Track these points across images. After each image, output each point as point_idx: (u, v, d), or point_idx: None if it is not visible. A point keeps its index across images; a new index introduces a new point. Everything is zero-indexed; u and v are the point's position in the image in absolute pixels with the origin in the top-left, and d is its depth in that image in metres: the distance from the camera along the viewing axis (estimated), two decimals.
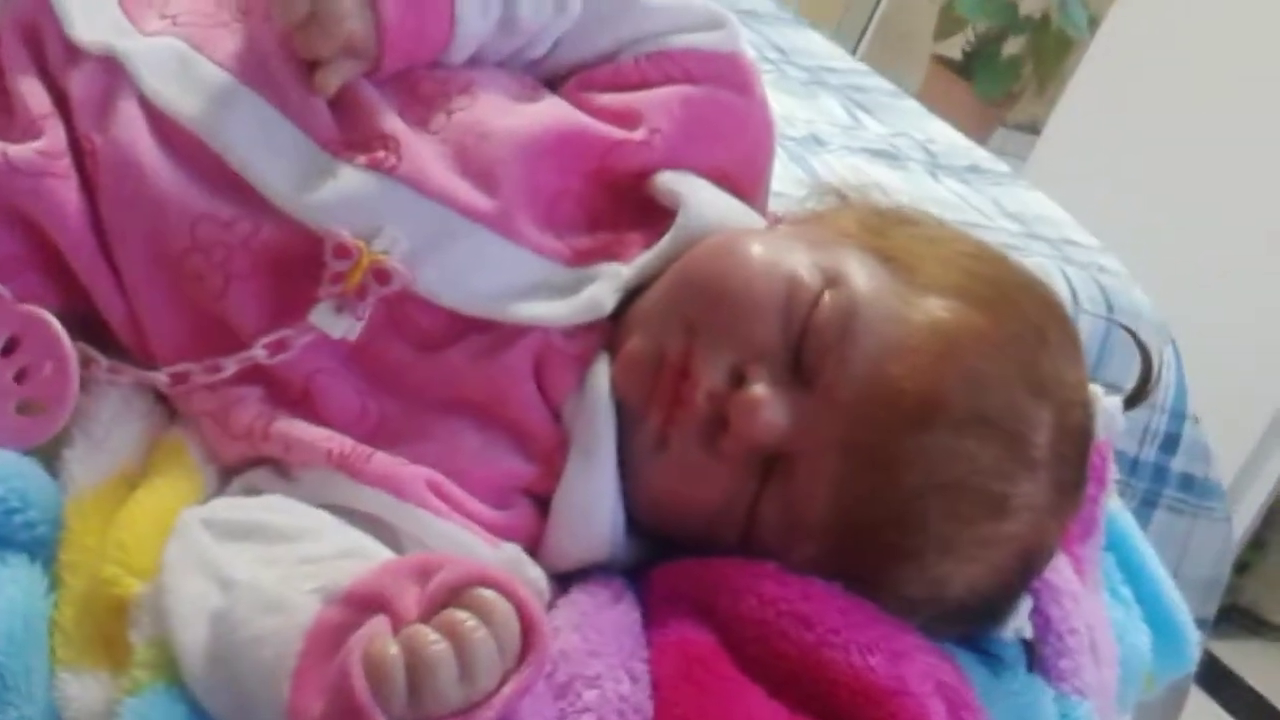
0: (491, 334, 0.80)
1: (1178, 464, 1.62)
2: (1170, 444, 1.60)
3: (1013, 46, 3.77)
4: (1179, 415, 1.60)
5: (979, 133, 2.37)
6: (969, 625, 0.82)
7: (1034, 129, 3.38)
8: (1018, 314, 0.79)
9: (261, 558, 0.69)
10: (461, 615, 0.62)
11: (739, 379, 0.77)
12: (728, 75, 0.89)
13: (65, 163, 0.80)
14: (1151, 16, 2.76)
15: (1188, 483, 1.64)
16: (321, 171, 0.80)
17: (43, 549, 0.73)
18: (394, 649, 0.60)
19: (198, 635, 0.66)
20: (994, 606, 0.82)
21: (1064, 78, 3.24)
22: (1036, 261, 1.42)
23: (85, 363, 0.79)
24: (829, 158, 1.67)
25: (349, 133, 0.82)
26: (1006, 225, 1.65)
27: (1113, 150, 2.72)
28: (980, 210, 1.68)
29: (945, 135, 1.91)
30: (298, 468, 0.77)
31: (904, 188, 1.58)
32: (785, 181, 0.94)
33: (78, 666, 0.69)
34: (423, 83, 0.84)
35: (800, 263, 0.79)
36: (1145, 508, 1.58)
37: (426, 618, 0.63)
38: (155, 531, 0.72)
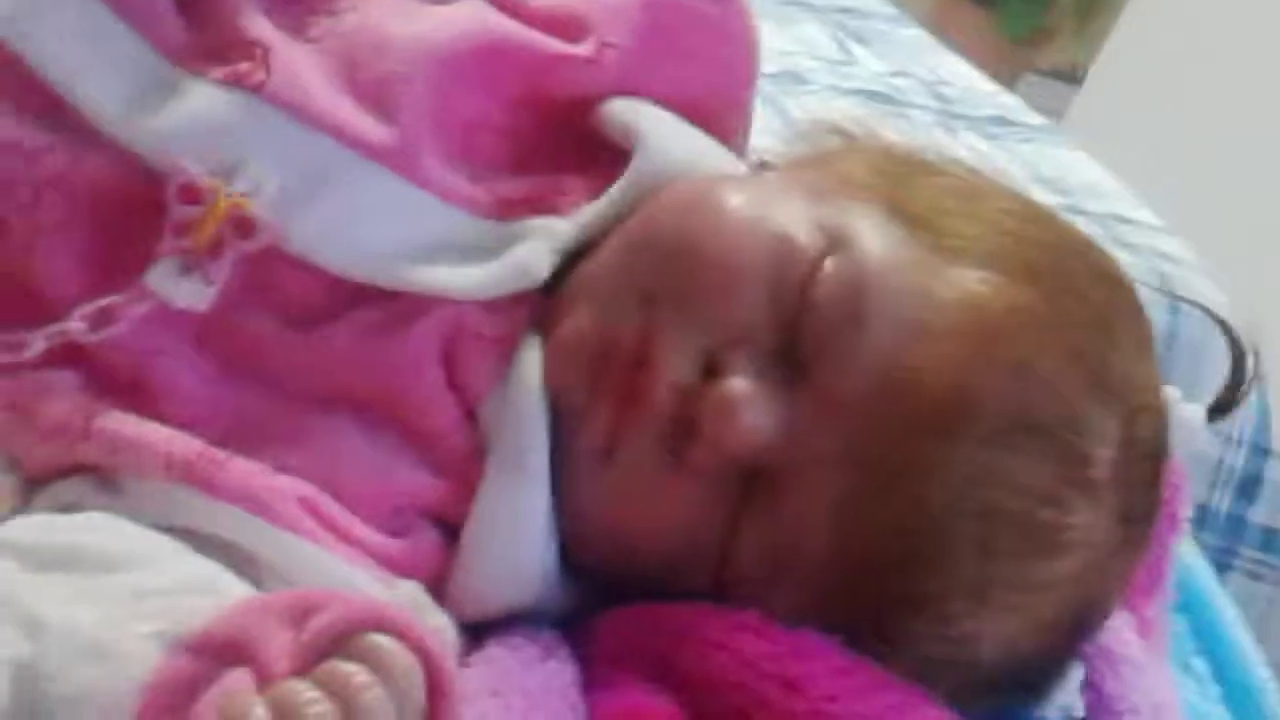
0: (386, 307, 0.81)
1: (1258, 515, 1.65)
2: (1249, 488, 1.63)
3: None
4: (1261, 451, 1.63)
5: (1001, 80, 2.38)
6: (1003, 697, 0.83)
7: (1073, 76, 3.42)
8: (1076, 292, 0.81)
9: (80, 592, 0.69)
10: (349, 669, 0.62)
11: (712, 369, 0.78)
12: None
13: None
14: None
15: (1271, 539, 1.67)
16: (164, 88, 0.80)
17: None
18: (259, 711, 0.61)
19: None
20: (1036, 674, 0.84)
21: (1113, 10, 3.28)
22: None
23: None
24: (810, 101, 1.68)
25: (202, 39, 0.82)
26: (1042, 194, 1.67)
27: (1172, 105, 2.75)
28: (1008, 175, 1.70)
29: (963, 75, 1.94)
30: (128, 477, 0.77)
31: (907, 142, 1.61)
32: (754, 131, 0.96)
33: None
34: None
35: (794, 219, 0.80)
36: (1217, 570, 1.60)
37: (302, 671, 0.63)
38: None
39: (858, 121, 0.92)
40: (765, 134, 1.19)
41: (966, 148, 1.74)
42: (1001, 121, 1.87)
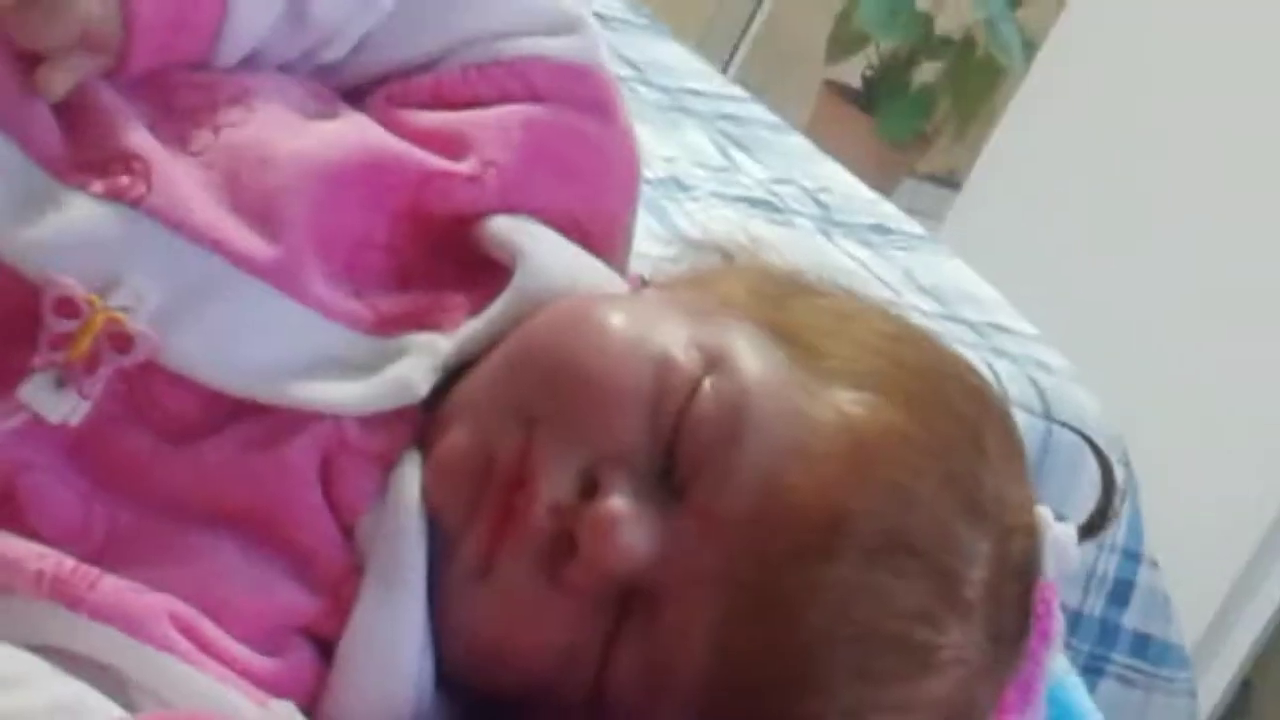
0: (264, 422, 0.81)
1: (1130, 620, 1.67)
2: (1122, 594, 1.65)
3: (926, 74, 3.87)
4: (1133, 557, 1.65)
5: (881, 183, 2.42)
6: None
7: (951, 181, 3.47)
8: (950, 413, 0.82)
9: None
10: None
11: (591, 489, 0.78)
12: (582, 94, 0.91)
13: None
14: (1100, 41, 2.85)
15: (1143, 645, 1.69)
16: (42, 200, 0.80)
17: None
18: None
19: None
20: None
21: (991, 117, 3.34)
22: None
23: None
24: (693, 207, 1.70)
25: (82, 151, 0.82)
26: (920, 303, 1.70)
27: (1051, 211, 2.79)
28: (886, 282, 1.72)
29: (843, 183, 1.97)
30: None
31: (789, 250, 1.62)
32: (638, 236, 0.97)
33: None
34: (182, 89, 0.85)
35: (674, 339, 0.81)
36: (1089, 675, 1.62)
37: None
38: None
39: (737, 242, 0.93)
40: (649, 239, 1.20)
41: (846, 254, 1.76)
42: (880, 230, 1.90)
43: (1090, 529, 0.92)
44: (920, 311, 1.63)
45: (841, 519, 0.77)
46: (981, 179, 3.04)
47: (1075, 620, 1.63)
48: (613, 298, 0.86)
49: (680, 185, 1.72)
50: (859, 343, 0.83)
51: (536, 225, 0.88)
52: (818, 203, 1.89)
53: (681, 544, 0.77)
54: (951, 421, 0.82)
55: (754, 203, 1.82)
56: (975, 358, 1.51)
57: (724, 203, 1.78)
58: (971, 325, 1.69)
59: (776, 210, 1.83)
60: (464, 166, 0.87)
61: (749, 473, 0.78)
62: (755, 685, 0.77)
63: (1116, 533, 1.63)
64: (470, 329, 0.84)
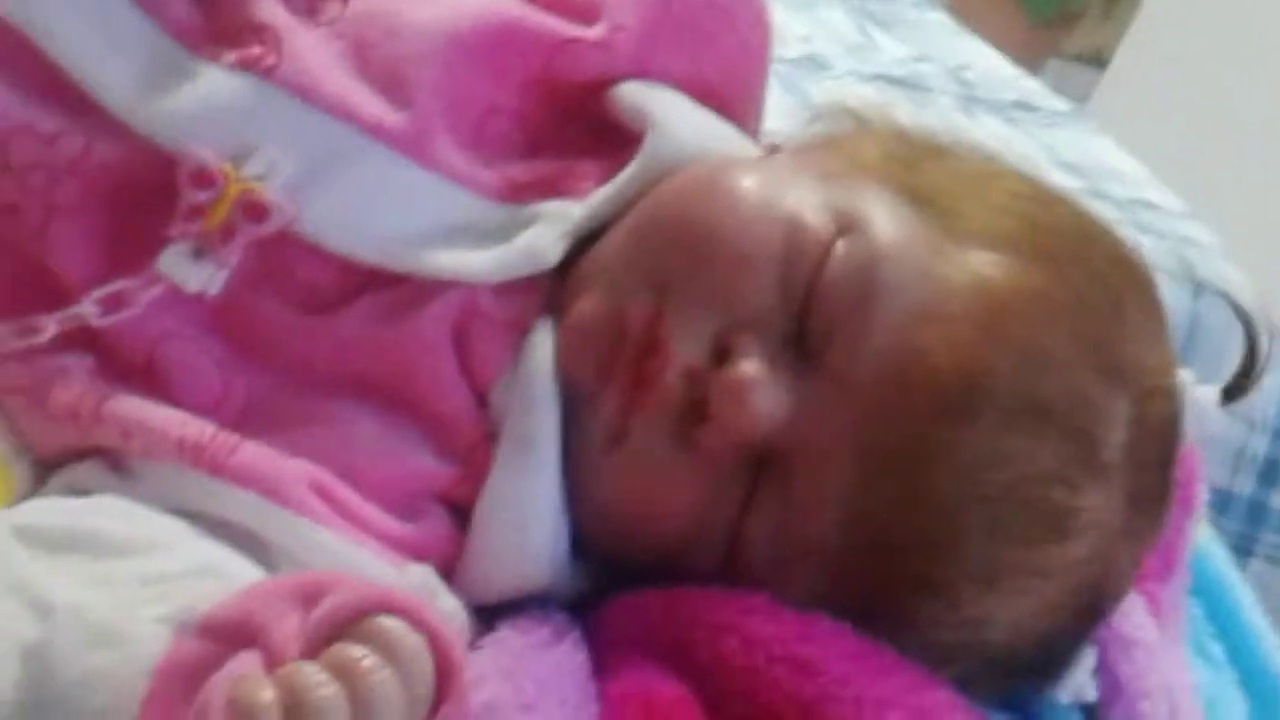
0: (398, 291, 0.81)
1: None
2: (1271, 473, 1.62)
3: None
4: None
5: (1027, 64, 2.38)
6: (1014, 680, 0.83)
7: (1099, 60, 3.41)
8: (1088, 275, 0.81)
9: (91, 576, 0.69)
10: (357, 651, 0.62)
11: (723, 353, 0.78)
12: None
13: None
14: None
15: None
16: (176, 72, 0.81)
17: None
18: (268, 693, 0.60)
19: (6, 677, 0.66)
20: (1047, 658, 0.84)
21: None
22: None
23: None
24: (830, 85, 1.68)
25: (213, 22, 0.82)
26: (1064, 179, 1.67)
27: (1198, 88, 2.73)
28: (1030, 159, 1.70)
29: (985, 60, 1.93)
30: (139, 461, 0.78)
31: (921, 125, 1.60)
32: (775, 115, 0.96)
33: None
34: None
35: (806, 202, 0.80)
36: (1238, 555, 1.60)
37: (311, 654, 0.63)
38: None
39: (872, 105, 0.92)
40: (785, 119, 1.20)
41: (988, 131, 1.74)
42: (1024, 106, 1.87)
43: (1234, 391, 0.90)
44: (1063, 188, 1.60)
45: (976, 381, 0.76)
46: (1129, 57, 2.98)
47: (1224, 499, 1.60)
48: (744, 162, 0.85)
49: (817, 64, 1.70)
50: (994, 204, 0.82)
51: (667, 90, 0.87)
52: (959, 80, 1.86)
53: (814, 408, 0.77)
54: (1089, 283, 0.80)
55: (893, 81, 1.79)
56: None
57: (862, 81, 1.75)
58: (1117, 201, 1.66)
59: (916, 88, 1.80)
60: (594, 32, 0.86)
61: (881, 336, 0.77)
62: (888, 549, 0.77)
63: (1267, 411, 1.60)
64: (601, 195, 0.84)
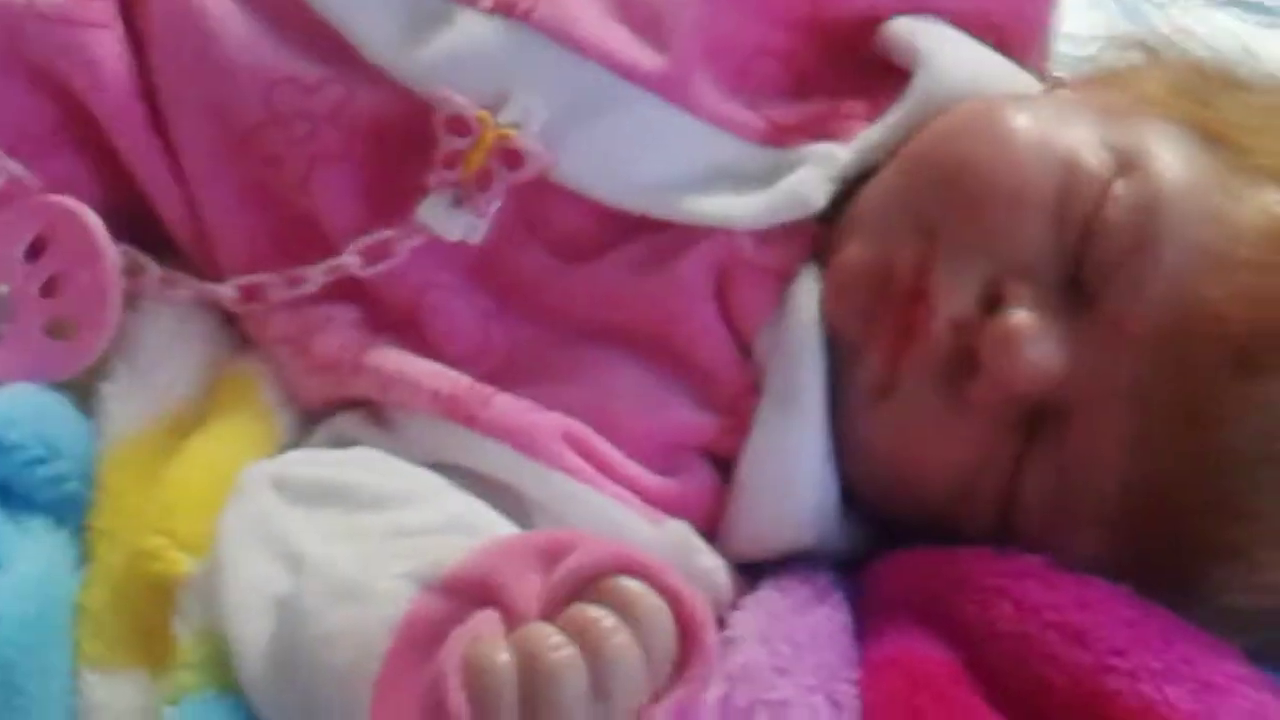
0: (658, 238, 0.80)
1: None
2: None
3: None
4: None
5: None
6: None
7: None
8: None
9: (342, 529, 0.70)
10: (597, 613, 0.61)
11: (994, 301, 0.75)
12: None
13: (106, 7, 0.82)
14: None
15: None
16: (433, 19, 0.81)
17: (72, 511, 0.76)
18: (504, 655, 0.60)
19: (260, 629, 0.68)
20: None
21: None
22: None
23: (131, 271, 0.81)
24: (1176, 12, 1.62)
25: None
26: None
27: None
28: None
29: None
30: (397, 412, 0.78)
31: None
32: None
33: (107, 665, 0.71)
34: None
35: (1083, 140, 0.77)
36: None
37: (550, 614, 0.62)
38: (213, 492, 0.74)
39: (1162, 36, 0.88)
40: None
41: None
42: None
43: None
44: None
45: (1268, 331, 0.72)
46: None
47: None
48: (1019, 99, 0.82)
49: None
50: None
51: (939, 25, 0.85)
52: None
53: (1091, 358, 0.74)
54: None
55: (1248, 6, 1.72)
56: None
57: (1213, 7, 1.68)
58: None
59: (1273, 13, 1.72)
60: None
61: (1164, 282, 0.73)
62: (1174, 508, 0.73)
63: None
64: (868, 137, 0.82)
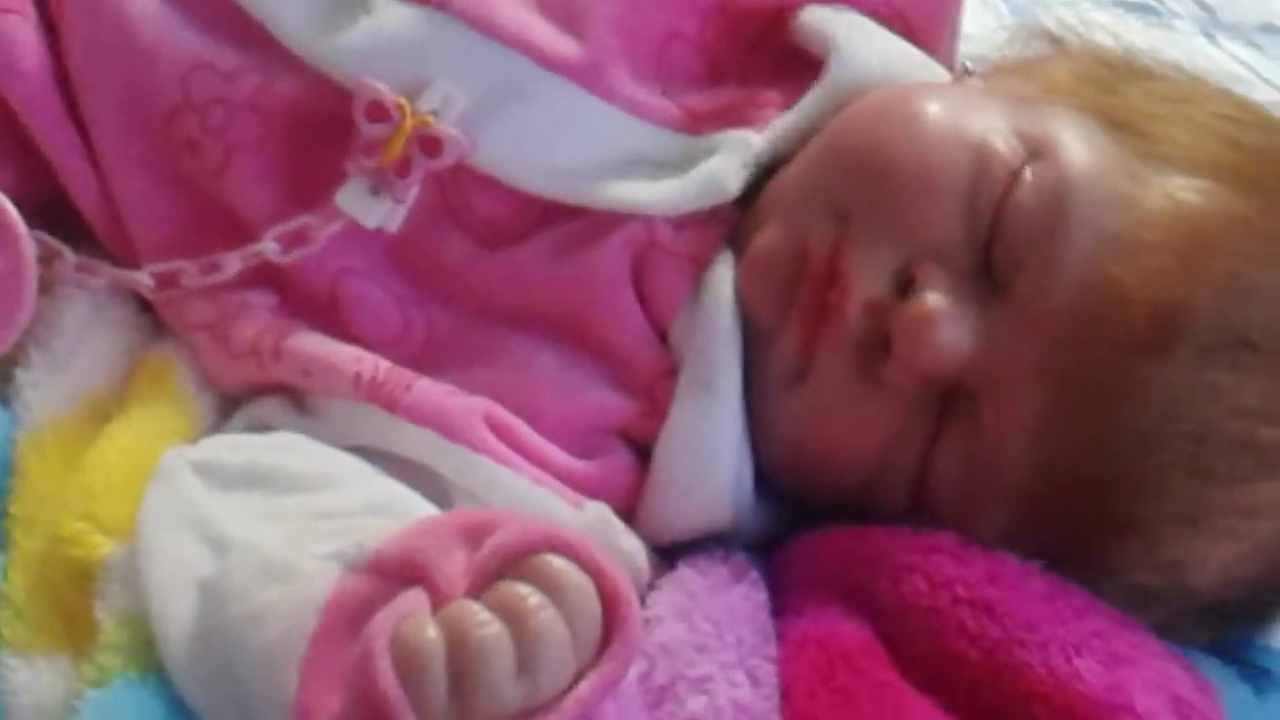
0: (576, 224, 0.81)
1: None
2: None
3: None
4: None
5: None
6: (1223, 627, 0.80)
7: None
8: None
9: (266, 512, 0.70)
10: (522, 590, 0.62)
11: (907, 284, 0.76)
12: None
13: None
14: None
15: None
16: (352, 6, 0.81)
17: None
18: (432, 632, 0.61)
19: (182, 611, 0.68)
20: (1258, 602, 0.81)
21: None
22: None
23: (46, 258, 0.80)
24: (1064, 12, 1.64)
25: None
26: None
27: None
28: (1276, 85, 1.64)
29: None
30: (318, 397, 0.79)
31: (1167, 53, 1.55)
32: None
33: (28, 649, 0.71)
34: None
35: (994, 127, 0.78)
36: None
37: (477, 593, 0.63)
38: (133, 477, 0.74)
39: (1067, 26, 0.89)
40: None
41: (1230, 57, 1.68)
42: (1271, 30, 1.80)
43: None
44: None
45: (1172, 313, 0.73)
46: None
47: None
48: (930, 87, 0.83)
49: None
50: (1196, 126, 0.79)
51: (852, 14, 0.85)
52: (1200, 4, 1.81)
53: (1002, 341, 0.75)
54: None
55: (1130, 7, 1.75)
56: None
57: (1098, 6, 1.71)
58: None
59: (1155, 13, 1.75)
60: None
61: (1072, 265, 0.74)
62: (1082, 486, 0.74)
63: None
64: (782, 124, 0.82)
